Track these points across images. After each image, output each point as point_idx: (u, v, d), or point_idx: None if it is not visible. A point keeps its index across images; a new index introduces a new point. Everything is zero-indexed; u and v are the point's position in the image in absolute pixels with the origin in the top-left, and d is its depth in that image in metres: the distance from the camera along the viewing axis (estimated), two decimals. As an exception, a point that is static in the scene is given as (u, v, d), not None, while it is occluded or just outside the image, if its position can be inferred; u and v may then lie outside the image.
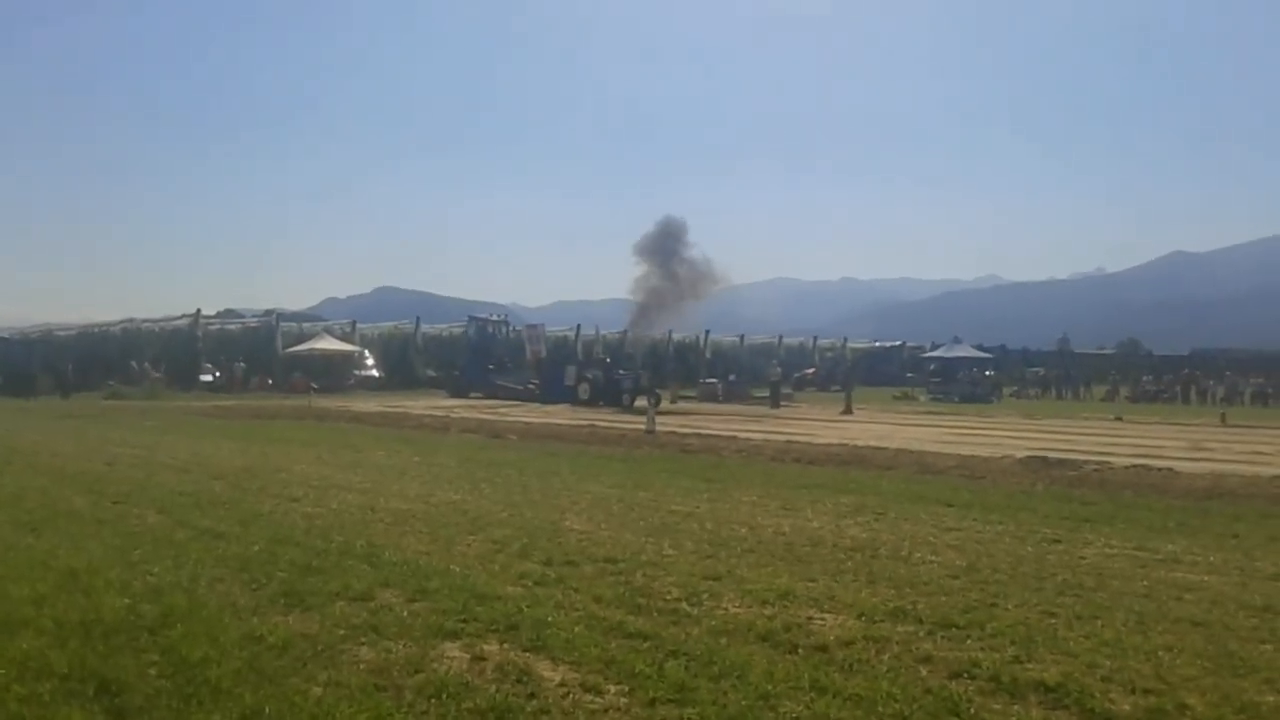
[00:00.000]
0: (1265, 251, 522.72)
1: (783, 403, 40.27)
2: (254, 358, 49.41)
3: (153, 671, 5.07)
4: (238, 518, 9.66)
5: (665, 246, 43.87)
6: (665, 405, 35.99)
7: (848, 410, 34.43)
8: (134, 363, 46.27)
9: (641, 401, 37.38)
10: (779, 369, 46.78)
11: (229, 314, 68.53)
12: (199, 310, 51.56)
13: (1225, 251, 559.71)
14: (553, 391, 39.52)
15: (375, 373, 50.97)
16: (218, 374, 46.95)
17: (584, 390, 38.69)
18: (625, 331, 59.44)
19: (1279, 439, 23.42)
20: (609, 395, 37.87)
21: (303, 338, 51.91)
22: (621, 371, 40.34)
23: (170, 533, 8.90)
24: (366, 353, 52.72)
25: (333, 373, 48.97)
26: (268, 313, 61.10)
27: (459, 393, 43.32)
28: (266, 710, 4.53)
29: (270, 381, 46.84)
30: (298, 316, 76.18)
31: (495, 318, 54.19)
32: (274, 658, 5.25)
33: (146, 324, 51.78)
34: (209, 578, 7.04)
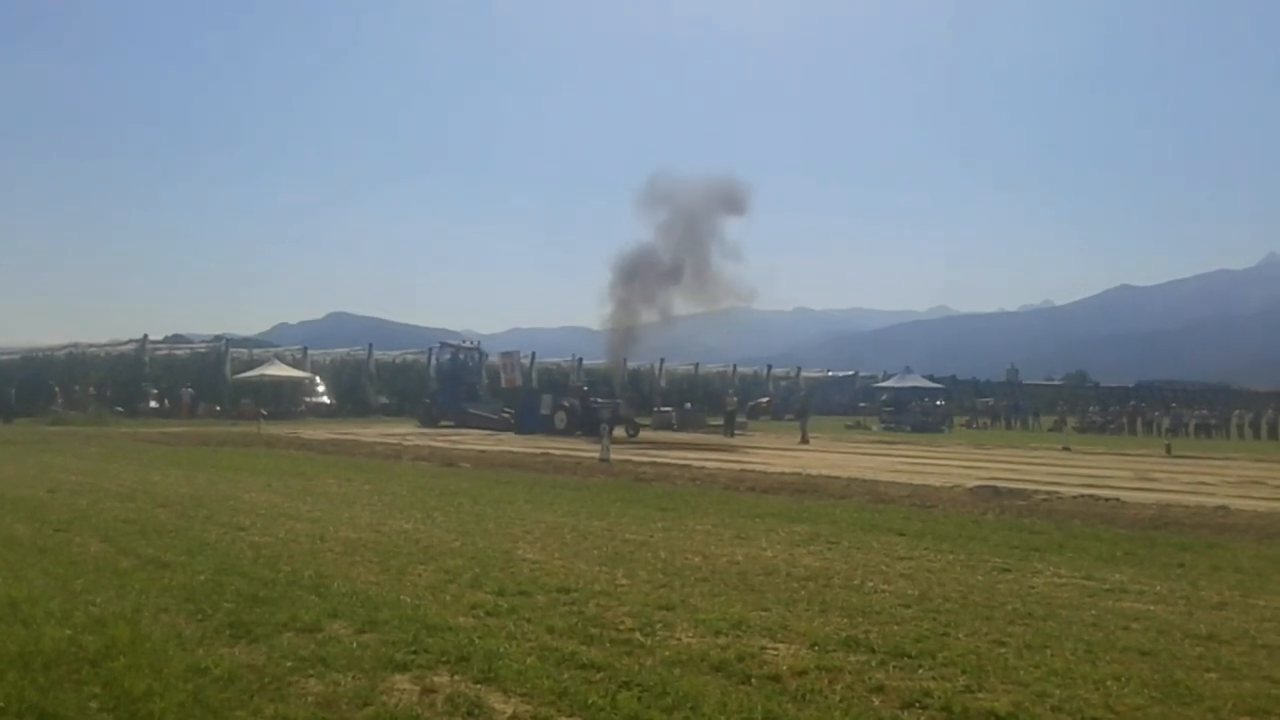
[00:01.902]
0: (1208, 286, 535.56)
1: (737, 431, 40.35)
2: (202, 384, 48.69)
3: (94, 705, 4.96)
4: (183, 547, 9.47)
5: (715, 211, 39.29)
6: (619, 434, 35.68)
7: (804, 439, 34.62)
8: (77, 386, 45.38)
9: (620, 431, 35.93)
10: (735, 398, 46.75)
11: (177, 339, 67.48)
12: (145, 335, 50.84)
13: (1169, 285, 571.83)
14: (529, 421, 38.13)
15: (326, 400, 50.43)
16: (164, 401, 46.17)
17: (560, 420, 37.18)
18: (579, 359, 59.25)
19: (1222, 469, 23.89)
20: (587, 425, 36.06)
21: (252, 364, 51.24)
22: (599, 400, 38.70)
23: (114, 562, 8.72)
24: (318, 379, 52.13)
25: (283, 399, 48.42)
26: (217, 338, 60.23)
27: (430, 421, 41.97)
28: (210, 745, 4.44)
29: (219, 408, 46.17)
30: (248, 342, 75.14)
31: (468, 344, 51.85)
32: (219, 690, 5.15)
33: (92, 349, 50.89)
34: (153, 608, 6.90)
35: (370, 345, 58.91)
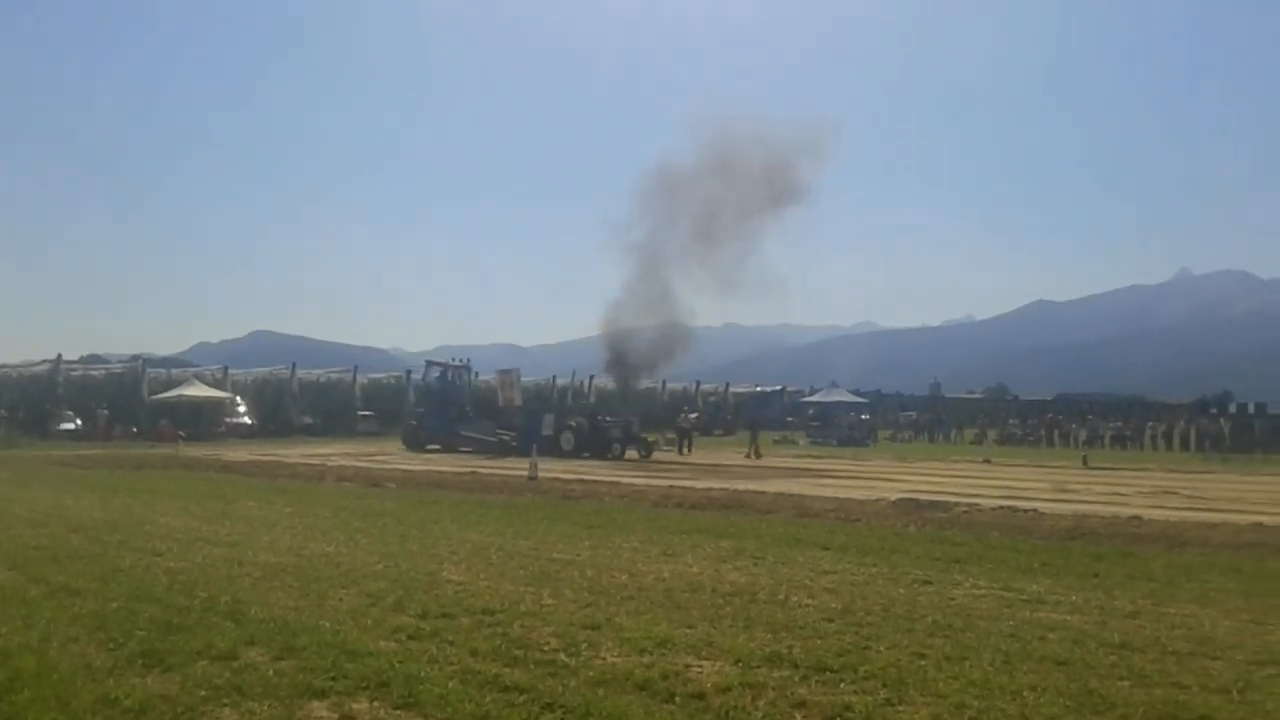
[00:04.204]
0: (1122, 301, 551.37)
1: (674, 449, 39.23)
2: (119, 405, 47.45)
3: (-6, 741, 4.79)
4: (96, 573, 9.22)
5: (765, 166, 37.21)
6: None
7: (754, 454, 34.31)
8: None
9: (633, 453, 34.48)
10: (691, 415, 45.52)
11: (93, 359, 65.76)
12: (59, 355, 49.46)
13: (1086, 300, 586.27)
14: (531, 442, 34.19)
15: (248, 420, 49.46)
16: (78, 422, 44.95)
17: (567, 440, 34.45)
18: (510, 374, 58.28)
19: (1137, 480, 24.54)
20: (595, 445, 34.18)
21: (171, 384, 50.08)
22: (608, 419, 36.56)
23: (22, 590, 8.45)
24: (239, 399, 51.11)
25: (202, 420, 47.38)
26: (134, 358, 58.78)
27: (417, 445, 39.14)
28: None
29: (135, 430, 45.03)
30: (167, 362, 73.70)
31: (457, 362, 47.61)
32: (129, 722, 5.01)
33: (3, 369, 49.39)
34: (62, 638, 6.69)
35: (294, 364, 57.93)
